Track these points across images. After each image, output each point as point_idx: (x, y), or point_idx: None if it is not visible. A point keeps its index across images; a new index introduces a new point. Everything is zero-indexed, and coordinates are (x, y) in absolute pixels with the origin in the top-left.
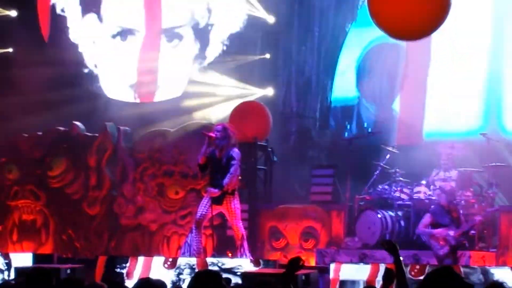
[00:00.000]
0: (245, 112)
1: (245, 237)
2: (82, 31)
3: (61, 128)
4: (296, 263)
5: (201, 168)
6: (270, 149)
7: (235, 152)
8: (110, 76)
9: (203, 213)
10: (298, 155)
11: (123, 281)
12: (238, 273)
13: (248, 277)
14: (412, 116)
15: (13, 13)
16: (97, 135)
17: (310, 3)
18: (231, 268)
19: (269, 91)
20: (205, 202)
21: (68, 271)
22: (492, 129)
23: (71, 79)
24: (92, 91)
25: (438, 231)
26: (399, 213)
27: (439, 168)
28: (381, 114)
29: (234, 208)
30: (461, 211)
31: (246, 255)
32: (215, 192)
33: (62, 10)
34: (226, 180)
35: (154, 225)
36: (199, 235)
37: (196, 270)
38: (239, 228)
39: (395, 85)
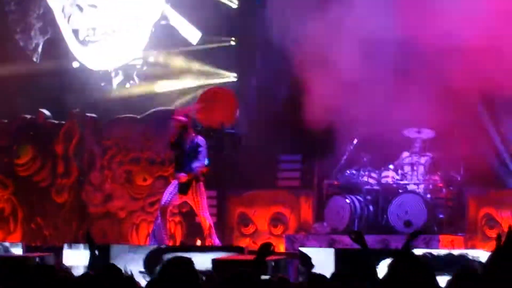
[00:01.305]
0: (212, 97)
1: (212, 226)
2: None
3: (27, 116)
4: (266, 248)
5: (172, 147)
6: (237, 135)
7: (200, 139)
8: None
9: (168, 199)
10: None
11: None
12: None
13: (219, 264)
14: None
15: None
16: (63, 122)
17: None
18: None
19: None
20: (170, 189)
21: (37, 259)
22: None
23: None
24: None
25: None
26: (368, 197)
27: (409, 152)
28: None
29: (200, 198)
30: None
31: (215, 244)
32: (183, 176)
33: None
34: (196, 164)
35: (122, 212)
36: (164, 222)
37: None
38: (206, 218)
39: None
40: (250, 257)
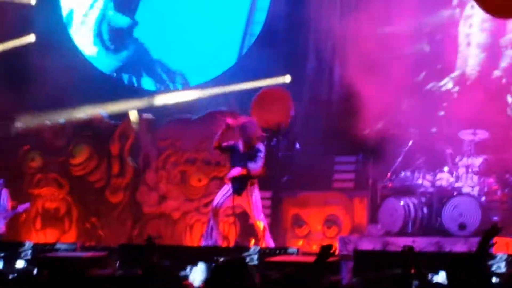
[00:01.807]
0: (267, 98)
1: (266, 227)
2: None
3: (83, 116)
4: (328, 250)
5: (221, 150)
6: (292, 136)
7: (261, 145)
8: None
9: (221, 201)
10: (320, 143)
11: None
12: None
13: (271, 265)
14: None
15: None
16: (119, 123)
17: None
18: None
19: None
20: (224, 191)
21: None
22: None
23: None
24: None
25: None
26: (422, 200)
27: (464, 154)
28: None
29: (255, 200)
30: None
31: (269, 245)
32: (237, 170)
33: None
34: (252, 165)
35: (177, 213)
36: (217, 223)
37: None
38: (261, 221)
39: None
40: (304, 258)
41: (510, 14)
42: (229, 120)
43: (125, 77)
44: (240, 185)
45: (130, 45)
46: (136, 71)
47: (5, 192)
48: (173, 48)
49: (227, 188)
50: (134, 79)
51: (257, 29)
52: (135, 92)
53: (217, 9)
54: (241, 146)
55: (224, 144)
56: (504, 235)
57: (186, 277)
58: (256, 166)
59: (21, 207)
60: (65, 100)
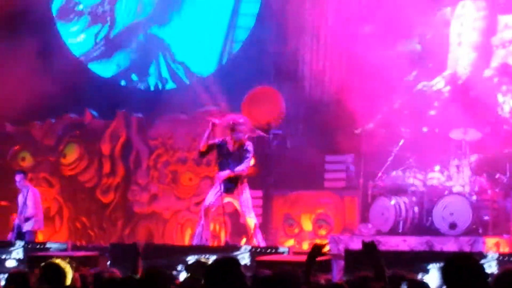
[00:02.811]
0: (258, 98)
1: (257, 226)
2: None
3: (74, 116)
4: (319, 249)
5: (201, 155)
6: (283, 136)
7: (250, 145)
8: None
9: (212, 201)
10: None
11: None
12: None
13: (263, 264)
14: None
15: None
16: (110, 122)
17: None
18: None
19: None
20: (215, 191)
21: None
22: None
23: None
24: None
25: None
26: (413, 199)
27: (455, 154)
28: None
29: (245, 198)
30: None
31: (260, 244)
32: (225, 174)
33: None
34: (238, 168)
35: (167, 212)
36: (207, 222)
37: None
38: (251, 219)
39: None
40: (295, 257)
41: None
42: (214, 120)
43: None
44: (230, 184)
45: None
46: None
47: (32, 191)
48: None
49: (217, 187)
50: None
51: (243, 34)
52: (127, 91)
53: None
54: (230, 144)
55: (210, 142)
56: (495, 234)
57: (177, 277)
58: (241, 168)
59: None
60: (56, 100)
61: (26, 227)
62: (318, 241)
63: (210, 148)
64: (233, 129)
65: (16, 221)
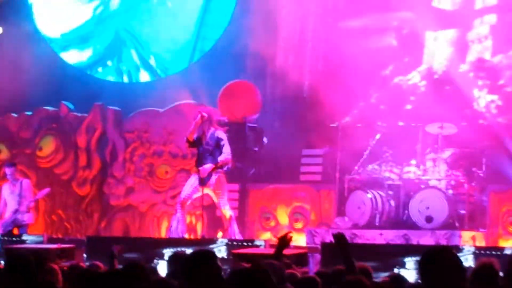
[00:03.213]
0: (234, 92)
1: (233, 217)
2: None
3: (50, 108)
4: (284, 239)
5: (190, 145)
6: (259, 130)
7: (221, 133)
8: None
9: (188, 193)
10: (288, 136)
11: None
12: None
13: (239, 257)
14: None
15: None
16: (86, 115)
17: None
18: None
19: None
20: (191, 182)
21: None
22: None
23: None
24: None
25: None
26: (389, 192)
27: (431, 148)
28: None
29: (221, 191)
30: None
31: (235, 236)
32: (207, 169)
33: None
34: (222, 157)
35: (144, 205)
36: (183, 216)
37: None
38: (227, 210)
39: None
40: (271, 250)
41: None
42: (203, 112)
43: (93, 69)
44: (206, 176)
45: (100, 35)
46: (105, 62)
47: (26, 182)
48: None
49: (193, 179)
50: (102, 71)
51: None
52: (103, 84)
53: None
54: (206, 137)
55: (194, 136)
56: (471, 228)
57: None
58: (224, 156)
59: (40, 193)
60: (32, 92)
61: (28, 219)
62: (282, 234)
63: (195, 142)
64: (210, 122)
65: (10, 214)
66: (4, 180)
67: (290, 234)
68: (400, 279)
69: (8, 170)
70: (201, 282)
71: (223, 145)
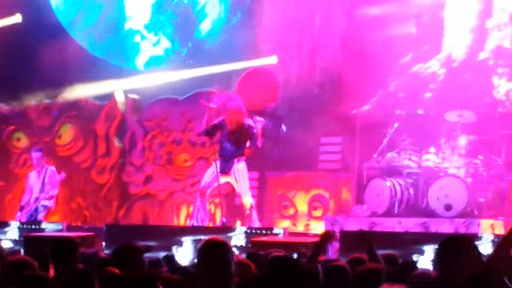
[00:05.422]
0: (253, 79)
1: (254, 206)
2: None
3: (70, 96)
4: (329, 236)
5: (207, 135)
6: (278, 117)
7: (250, 120)
8: None
9: (208, 181)
10: (307, 123)
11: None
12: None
13: (258, 245)
14: None
15: None
16: (105, 103)
17: None
18: None
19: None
20: (211, 171)
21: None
22: None
23: None
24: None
25: None
26: (408, 180)
27: (448, 136)
28: None
29: (242, 178)
30: None
31: (254, 224)
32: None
33: None
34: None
35: (163, 193)
36: (204, 203)
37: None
38: (248, 198)
39: None
40: (290, 238)
41: None
42: (212, 104)
43: (112, 57)
44: (226, 164)
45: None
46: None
47: (51, 170)
48: None
49: (213, 167)
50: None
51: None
52: (122, 72)
53: None
54: (228, 123)
55: (210, 125)
56: (490, 216)
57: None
58: (255, 144)
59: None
60: (51, 80)
61: (51, 205)
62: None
63: (213, 130)
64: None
65: (33, 200)
66: (25, 168)
67: (335, 233)
68: (411, 265)
69: (35, 155)
70: (212, 270)
71: (253, 132)
